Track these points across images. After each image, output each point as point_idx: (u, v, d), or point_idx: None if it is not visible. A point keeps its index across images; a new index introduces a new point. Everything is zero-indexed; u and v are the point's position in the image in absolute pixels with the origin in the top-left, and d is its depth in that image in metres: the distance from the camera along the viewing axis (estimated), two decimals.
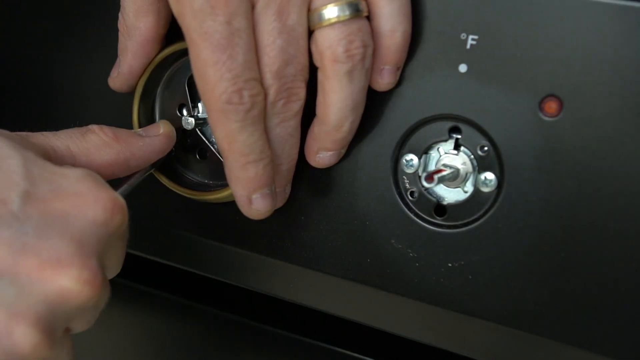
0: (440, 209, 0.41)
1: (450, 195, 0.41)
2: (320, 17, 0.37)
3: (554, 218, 0.38)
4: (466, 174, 0.40)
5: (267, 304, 0.52)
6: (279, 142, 0.39)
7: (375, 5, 0.38)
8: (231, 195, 0.43)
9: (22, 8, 0.51)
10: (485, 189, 0.39)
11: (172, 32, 0.44)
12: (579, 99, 0.36)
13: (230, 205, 0.46)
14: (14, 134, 0.36)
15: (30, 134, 0.37)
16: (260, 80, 0.37)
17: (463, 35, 0.38)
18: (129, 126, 0.44)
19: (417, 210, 0.41)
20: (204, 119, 0.45)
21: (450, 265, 0.41)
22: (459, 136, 0.40)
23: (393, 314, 0.44)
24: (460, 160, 0.40)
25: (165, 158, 0.44)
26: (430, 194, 0.41)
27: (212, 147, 0.46)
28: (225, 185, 0.44)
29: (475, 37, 0.38)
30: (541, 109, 0.37)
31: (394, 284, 0.42)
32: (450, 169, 0.39)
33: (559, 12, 0.36)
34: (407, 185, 0.41)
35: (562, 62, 0.37)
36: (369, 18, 0.38)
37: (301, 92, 0.38)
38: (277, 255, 0.46)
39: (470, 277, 0.40)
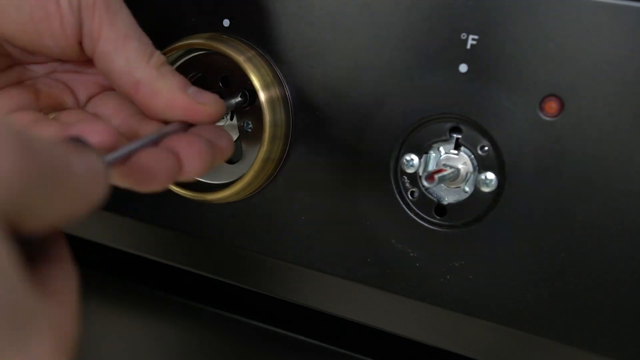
0: (440, 208, 0.41)
1: (450, 195, 0.41)
2: None
3: (554, 218, 0.38)
4: (466, 174, 0.40)
5: (267, 304, 0.52)
6: None
7: None
8: (231, 195, 0.43)
9: None
10: (485, 189, 0.39)
11: (172, 31, 0.44)
12: (579, 99, 0.36)
13: (230, 205, 0.46)
14: None
15: None
16: None
17: (463, 35, 0.38)
18: None
19: (417, 210, 0.41)
20: None
21: (450, 265, 0.41)
22: (459, 136, 0.40)
23: (393, 314, 0.44)
24: (460, 160, 0.40)
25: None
26: (431, 194, 0.41)
27: None
28: (225, 185, 0.45)
29: (476, 37, 0.38)
30: (541, 109, 0.37)
31: (394, 284, 0.42)
32: (450, 168, 0.39)
33: (559, 12, 0.36)
34: (408, 185, 0.41)
35: (562, 62, 0.37)
36: None
37: None
38: (277, 255, 0.46)
39: (470, 277, 0.40)
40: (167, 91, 0.38)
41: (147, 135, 0.35)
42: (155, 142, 0.35)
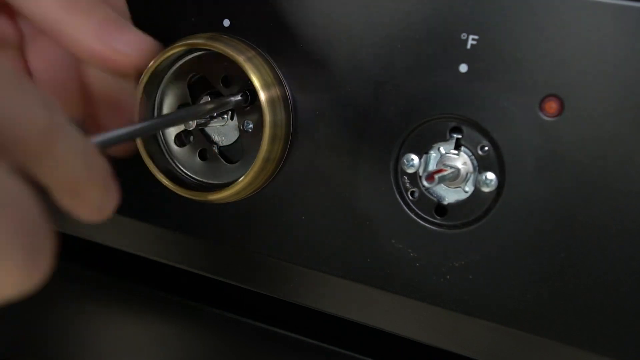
0: (440, 208, 0.41)
1: (450, 195, 0.41)
2: None
3: (554, 218, 0.38)
4: (467, 174, 0.40)
5: (267, 304, 0.52)
6: None
7: None
8: (231, 195, 0.43)
9: None
10: (485, 189, 0.39)
11: (172, 31, 0.44)
12: (580, 99, 0.37)
13: (231, 206, 0.46)
14: None
15: None
16: None
17: (463, 35, 0.38)
18: None
19: (417, 210, 0.41)
20: (206, 119, 0.45)
21: (450, 265, 0.41)
22: (460, 136, 0.40)
23: (393, 314, 0.44)
24: (460, 160, 0.40)
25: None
26: (431, 194, 0.41)
27: (213, 148, 0.46)
28: (225, 185, 0.45)
29: (476, 37, 0.38)
30: (541, 109, 0.37)
31: (394, 284, 0.42)
32: (450, 168, 0.39)
33: (559, 12, 0.36)
34: (408, 185, 0.41)
35: (562, 62, 0.37)
36: None
37: None
38: (277, 255, 0.46)
39: (470, 277, 0.40)
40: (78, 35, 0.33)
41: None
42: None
